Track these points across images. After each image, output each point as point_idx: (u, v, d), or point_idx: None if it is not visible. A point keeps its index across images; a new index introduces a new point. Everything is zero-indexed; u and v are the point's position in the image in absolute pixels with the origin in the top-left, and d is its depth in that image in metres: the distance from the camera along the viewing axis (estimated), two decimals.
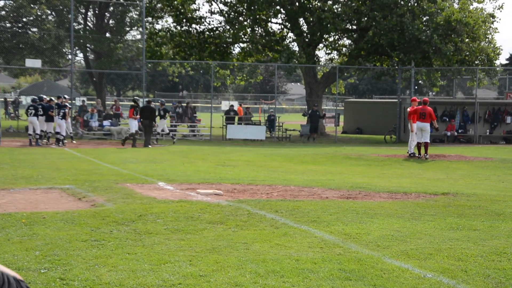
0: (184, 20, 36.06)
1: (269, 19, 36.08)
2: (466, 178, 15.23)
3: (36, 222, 8.18)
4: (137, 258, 6.45)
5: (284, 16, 36.11)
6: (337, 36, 37.35)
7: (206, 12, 56.13)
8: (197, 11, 36.60)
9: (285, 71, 44.96)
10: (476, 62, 33.72)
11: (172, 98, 62.23)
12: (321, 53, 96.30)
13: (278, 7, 35.11)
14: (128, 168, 15.95)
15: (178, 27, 36.42)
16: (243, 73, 41.93)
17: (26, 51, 41.24)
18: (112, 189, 11.42)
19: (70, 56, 42.25)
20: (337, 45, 38.05)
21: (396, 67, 34.14)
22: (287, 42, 36.84)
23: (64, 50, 45.75)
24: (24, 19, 42.62)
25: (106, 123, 31.18)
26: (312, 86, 36.51)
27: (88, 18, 46.46)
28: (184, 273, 5.91)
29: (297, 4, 34.66)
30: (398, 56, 33.36)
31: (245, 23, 35.67)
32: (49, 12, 43.93)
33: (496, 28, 39.18)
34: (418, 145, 20.55)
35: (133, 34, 49.58)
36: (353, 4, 33.22)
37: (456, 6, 33.54)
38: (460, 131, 32.66)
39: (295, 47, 36.78)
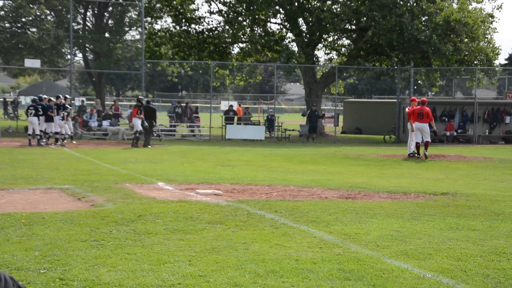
0: (183, 20, 36.06)
1: (268, 19, 36.08)
2: (466, 178, 15.24)
3: (35, 222, 8.17)
4: (136, 258, 6.44)
5: (283, 16, 36.12)
6: (336, 36, 37.37)
7: (205, 12, 56.18)
8: (196, 11, 36.62)
9: (284, 71, 44.99)
10: (475, 62, 33.76)
11: (171, 98, 62.26)
12: (320, 53, 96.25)
13: (277, 7, 35.12)
14: (127, 168, 15.95)
15: (177, 27, 36.42)
16: (242, 73, 41.94)
17: (25, 51, 41.23)
18: (112, 189, 11.41)
19: (69, 56, 42.23)
20: (336, 45, 38.07)
21: (395, 67, 34.16)
22: (286, 42, 36.85)
23: (63, 50, 45.71)
24: (23, 19, 42.58)
25: (105, 123, 31.17)
26: (312, 86, 36.52)
27: (87, 18, 46.43)
28: (184, 273, 5.91)
29: (296, 4, 34.67)
30: (397, 56, 33.37)
31: (244, 23, 35.68)
32: (48, 12, 43.91)
33: (495, 28, 39.12)
34: (417, 145, 20.56)
35: (132, 34, 49.58)
36: (352, 4, 33.23)
37: (455, 6, 33.57)
38: (459, 131, 32.69)
39: (294, 47, 36.82)
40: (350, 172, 16.39)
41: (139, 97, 26.72)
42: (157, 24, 39.70)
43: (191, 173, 14.92)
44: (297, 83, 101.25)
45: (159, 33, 36.67)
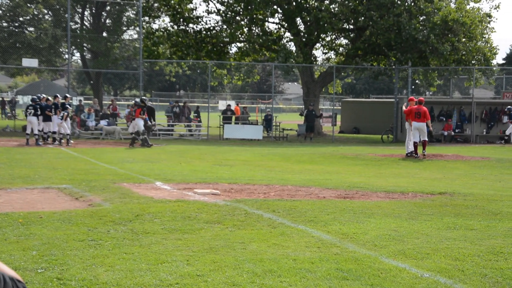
0: (181, 20, 36.04)
1: (266, 19, 36.07)
2: (463, 178, 15.26)
3: (33, 222, 8.17)
4: (134, 257, 6.44)
5: (281, 15, 36.12)
6: (334, 36, 37.38)
7: (203, 12, 56.08)
8: (194, 11, 36.59)
9: (282, 71, 44.97)
10: (473, 61, 33.80)
11: (169, 98, 62.22)
12: (318, 53, 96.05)
13: (275, 7, 35.11)
14: (125, 167, 15.94)
15: (175, 27, 36.40)
16: (240, 72, 41.92)
17: (23, 51, 41.17)
18: (109, 189, 11.41)
19: (67, 56, 42.19)
20: (334, 44, 38.07)
21: (393, 66, 34.18)
22: (284, 41, 36.85)
23: (61, 49, 45.65)
24: (21, 19, 42.53)
25: (103, 122, 31.14)
26: (309, 86, 36.53)
27: (85, 18, 46.39)
28: (182, 273, 5.91)
29: (294, 3, 34.66)
30: (395, 56, 33.40)
31: (242, 22, 35.67)
32: (45, 11, 43.85)
33: (493, 28, 39.11)
34: (415, 145, 20.57)
35: (130, 34, 49.59)
36: (350, 3, 33.24)
37: (452, 5, 33.60)
38: (457, 130, 32.72)
39: (292, 46, 36.82)
40: (348, 172, 16.40)
41: (142, 97, 26.66)
42: (155, 23, 39.76)
43: (188, 173, 14.92)
44: (295, 83, 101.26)
45: (157, 32, 36.66)
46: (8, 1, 41.78)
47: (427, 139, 20.85)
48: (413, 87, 39.54)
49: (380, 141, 32.35)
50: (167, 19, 37.85)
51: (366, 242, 7.33)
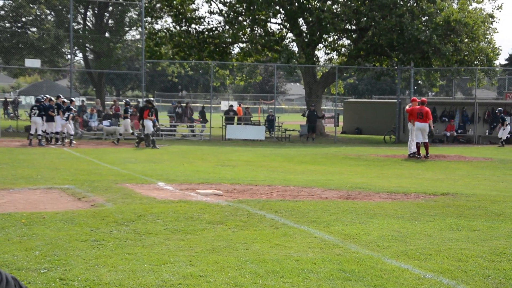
0: (184, 20, 36.06)
1: (269, 19, 36.07)
2: (466, 179, 15.24)
3: (35, 222, 8.17)
4: (137, 258, 6.44)
5: (283, 16, 36.11)
6: (336, 36, 37.36)
7: (205, 12, 56.16)
8: (196, 11, 36.60)
9: (284, 71, 45.00)
10: (475, 62, 33.76)
11: (171, 98, 62.25)
12: (321, 53, 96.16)
13: (277, 7, 35.12)
14: (127, 168, 15.95)
15: (178, 27, 36.42)
16: (242, 73, 41.93)
17: (26, 51, 41.22)
18: (112, 189, 11.41)
19: (69, 56, 42.24)
20: (336, 45, 38.06)
21: (396, 67, 34.15)
22: (287, 42, 36.85)
23: (63, 50, 45.72)
24: (24, 19, 42.57)
25: (105, 123, 31.16)
26: (312, 86, 36.52)
27: (88, 18, 46.43)
28: (184, 273, 5.91)
29: (296, 4, 34.66)
30: (398, 56, 33.37)
31: (245, 23, 35.67)
32: (48, 12, 43.91)
33: (495, 29, 39.14)
34: (418, 145, 20.55)
35: (133, 34, 49.56)
36: (353, 4, 33.23)
37: (455, 6, 33.58)
38: (459, 131, 32.69)
39: (294, 47, 36.81)
40: (350, 172, 16.39)
41: (150, 98, 26.61)
42: (157, 24, 39.72)
43: (191, 173, 14.92)
44: (297, 83, 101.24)
45: (159, 33, 36.67)
46: (11, 2, 41.84)
47: (427, 141, 20.81)
48: (415, 87, 39.47)
49: (382, 141, 32.33)
50: (169, 19, 37.82)
51: (368, 243, 7.33)
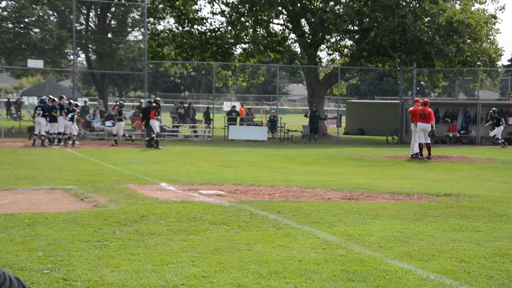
0: (186, 21, 36.08)
1: (271, 20, 36.08)
2: (469, 179, 15.22)
3: (38, 223, 8.18)
4: (139, 258, 6.45)
5: (285, 17, 36.11)
6: (339, 37, 37.37)
7: (207, 13, 56.09)
8: (198, 12, 36.62)
9: (287, 72, 45.00)
10: (478, 63, 33.73)
11: (174, 99, 62.29)
12: (323, 54, 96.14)
13: (280, 8, 35.12)
14: (130, 168, 15.96)
15: (180, 28, 36.44)
16: (245, 74, 41.94)
17: (28, 52, 41.31)
18: (115, 190, 11.42)
19: (72, 57, 42.33)
20: (339, 46, 38.06)
21: (398, 68, 34.15)
22: (289, 43, 36.85)
23: (66, 50, 45.80)
24: (26, 20, 42.65)
25: (108, 123, 31.19)
26: (314, 87, 36.52)
27: (90, 19, 46.51)
28: (187, 274, 5.91)
29: (298, 5, 34.67)
30: (400, 57, 33.35)
31: (247, 24, 35.68)
32: (51, 12, 43.98)
33: (498, 29, 39.10)
34: (420, 146, 20.54)
35: (135, 35, 49.70)
36: (355, 5, 33.22)
37: (457, 7, 33.54)
38: (462, 132, 32.65)
39: (297, 48, 36.79)
40: (353, 173, 16.38)
41: (156, 98, 26.60)
42: (160, 24, 39.88)
43: (193, 174, 14.93)
44: (300, 84, 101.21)
45: (161, 33, 36.70)
46: (14, 3, 41.92)
47: (429, 142, 20.79)
48: (418, 88, 39.48)
49: (385, 142, 32.31)
50: (172, 20, 37.87)
51: (371, 244, 7.33)
